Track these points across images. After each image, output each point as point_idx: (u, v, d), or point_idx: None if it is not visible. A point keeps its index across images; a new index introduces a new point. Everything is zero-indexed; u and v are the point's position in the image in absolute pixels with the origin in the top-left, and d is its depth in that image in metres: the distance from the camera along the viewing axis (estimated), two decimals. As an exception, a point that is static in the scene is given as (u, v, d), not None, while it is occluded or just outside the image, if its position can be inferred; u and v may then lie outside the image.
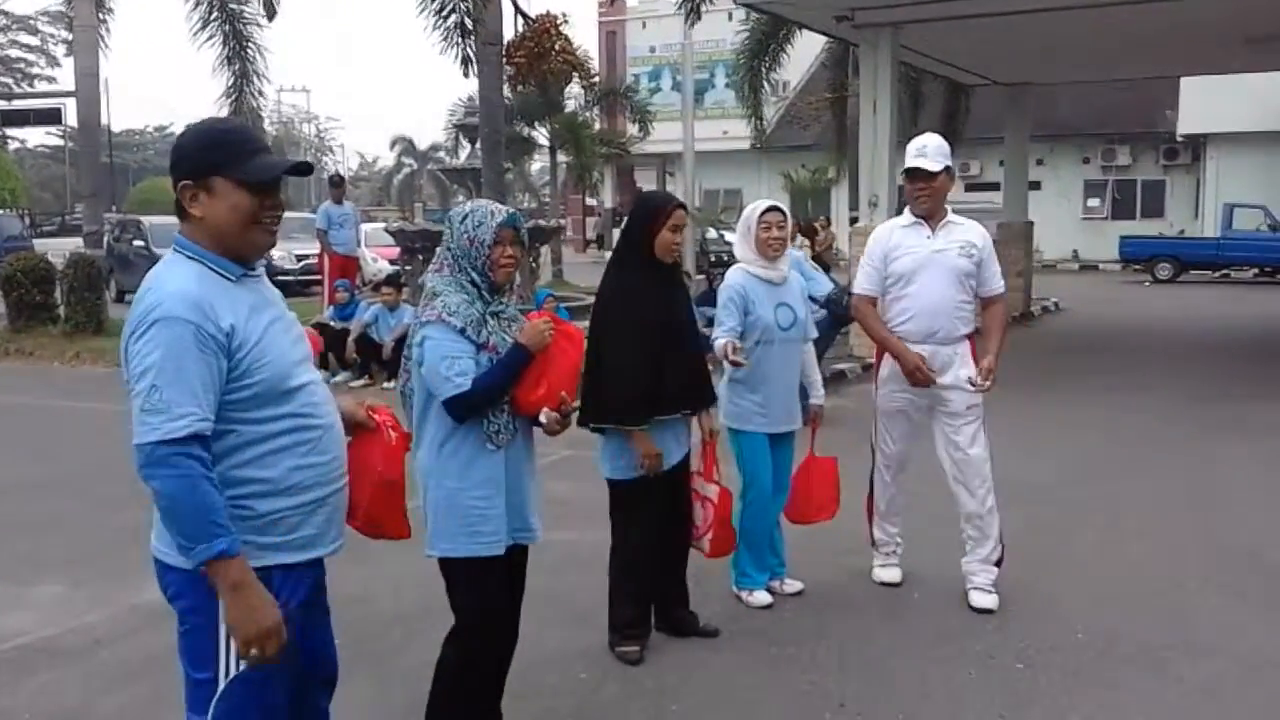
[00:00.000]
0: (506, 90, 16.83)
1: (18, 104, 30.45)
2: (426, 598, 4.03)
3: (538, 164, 39.68)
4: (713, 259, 20.86)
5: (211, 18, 16.45)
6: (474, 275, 3.31)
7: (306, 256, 20.03)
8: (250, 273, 2.56)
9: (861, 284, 5.12)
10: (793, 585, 5.09)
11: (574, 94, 26.26)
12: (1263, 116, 27.80)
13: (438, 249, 3.42)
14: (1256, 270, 25.65)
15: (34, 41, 59.00)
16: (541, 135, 27.06)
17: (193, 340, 2.37)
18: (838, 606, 4.97)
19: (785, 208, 4.95)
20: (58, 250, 18.62)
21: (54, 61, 57.64)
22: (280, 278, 16.98)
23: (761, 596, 4.94)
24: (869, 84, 13.09)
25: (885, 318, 5.04)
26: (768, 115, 24.57)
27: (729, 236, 21.85)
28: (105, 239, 18.72)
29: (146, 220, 22.21)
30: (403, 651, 4.43)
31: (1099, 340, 15.43)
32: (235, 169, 2.47)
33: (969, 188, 31.71)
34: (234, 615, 2.40)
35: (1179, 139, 30.65)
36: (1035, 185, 25.07)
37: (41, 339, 14.52)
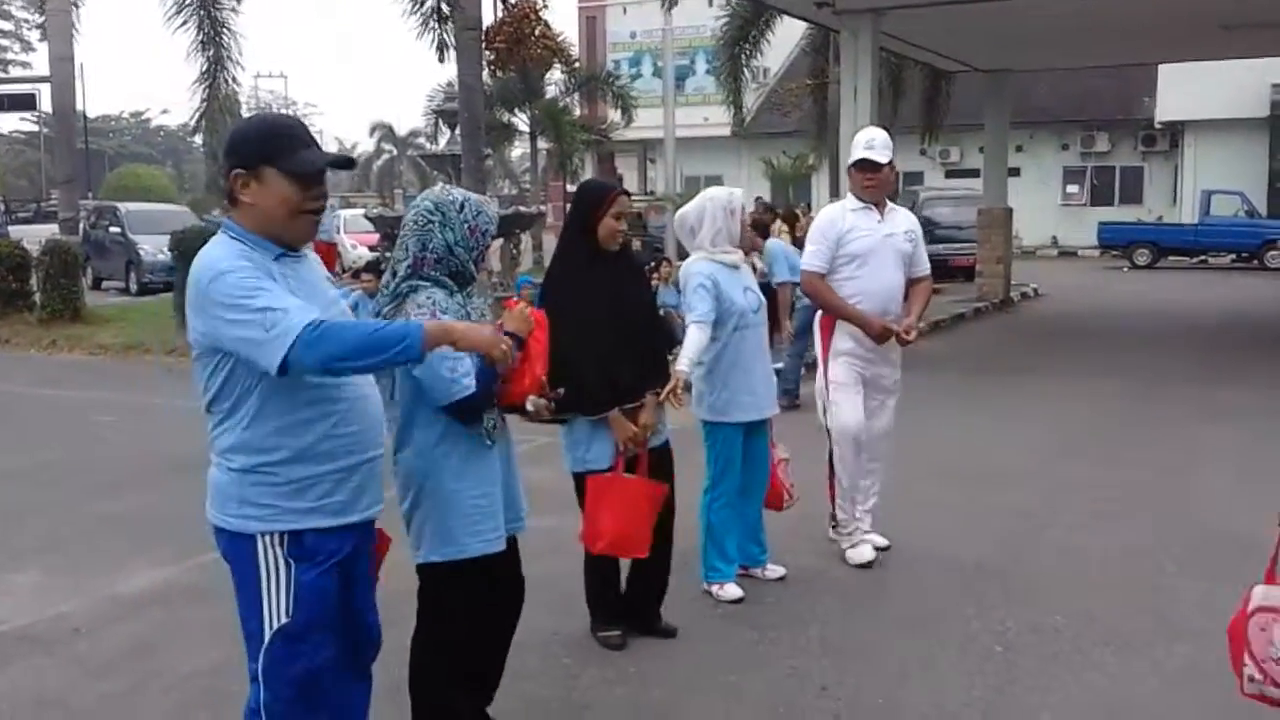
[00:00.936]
0: (486, 76, 16.69)
1: (-8, 89, 30.11)
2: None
3: (518, 150, 39.59)
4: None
5: (185, 3, 16.11)
6: (462, 266, 3.25)
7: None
8: (289, 253, 2.72)
9: (811, 260, 5.34)
10: (775, 571, 5.10)
11: (554, 80, 26.19)
12: (1240, 104, 28.00)
13: (405, 246, 3.25)
14: (1233, 256, 25.90)
15: (8, 26, 58.38)
16: (522, 121, 26.89)
17: (255, 273, 2.59)
18: (819, 591, 4.99)
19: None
20: (34, 237, 18.49)
21: (28, 46, 56.98)
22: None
23: (732, 590, 4.86)
24: (849, 71, 13.07)
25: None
26: (749, 102, 24.54)
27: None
28: (81, 226, 18.55)
29: (123, 207, 21.82)
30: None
31: (1078, 325, 15.52)
32: (285, 161, 2.65)
33: (949, 174, 31.81)
34: (463, 345, 2.78)
35: (1157, 126, 30.79)
36: (1015, 172, 25.14)
37: (17, 326, 14.43)
